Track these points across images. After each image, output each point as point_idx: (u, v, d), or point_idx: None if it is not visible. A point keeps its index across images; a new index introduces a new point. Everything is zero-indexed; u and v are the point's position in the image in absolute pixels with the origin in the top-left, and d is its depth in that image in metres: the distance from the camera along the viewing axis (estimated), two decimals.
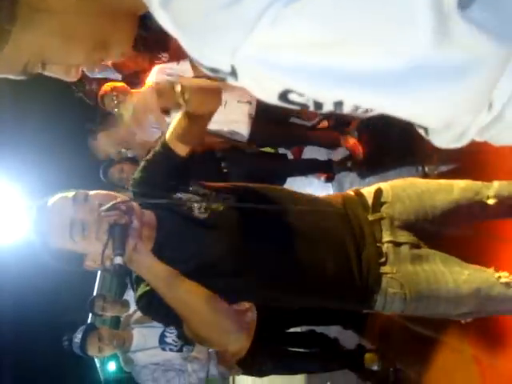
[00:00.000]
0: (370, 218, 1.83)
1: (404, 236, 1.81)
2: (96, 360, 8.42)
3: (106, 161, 4.03)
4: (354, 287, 1.73)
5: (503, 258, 2.28)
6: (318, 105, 0.79)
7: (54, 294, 9.65)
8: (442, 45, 0.71)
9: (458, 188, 1.88)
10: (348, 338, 4.12)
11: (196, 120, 1.70)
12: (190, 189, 1.78)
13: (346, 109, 0.80)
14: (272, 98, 0.78)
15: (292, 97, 0.77)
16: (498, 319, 2.47)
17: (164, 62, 4.13)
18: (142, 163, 1.83)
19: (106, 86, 3.84)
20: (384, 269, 1.74)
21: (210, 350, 3.37)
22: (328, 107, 0.79)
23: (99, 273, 7.07)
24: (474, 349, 2.70)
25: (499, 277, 1.77)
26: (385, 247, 1.77)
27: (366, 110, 0.82)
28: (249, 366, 3.76)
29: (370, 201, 1.87)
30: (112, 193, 1.64)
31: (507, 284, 1.76)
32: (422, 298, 1.73)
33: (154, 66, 4.04)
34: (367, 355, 3.79)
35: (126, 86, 3.87)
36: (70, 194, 1.58)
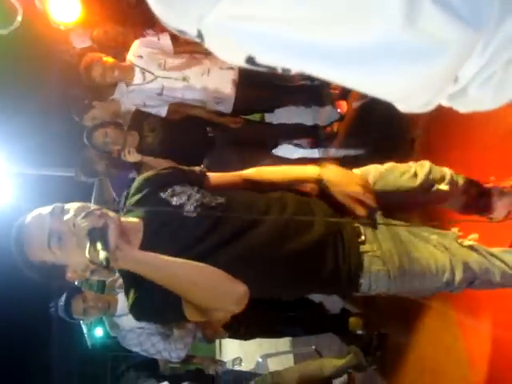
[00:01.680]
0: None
1: (379, 215, 1.85)
2: (83, 326, 8.44)
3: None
4: (339, 269, 1.75)
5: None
6: (286, 69, 0.82)
7: None
8: (411, 27, 0.73)
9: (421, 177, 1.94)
10: (333, 303, 4.16)
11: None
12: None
13: (313, 75, 0.83)
14: (239, 62, 0.80)
15: (260, 60, 0.79)
16: None
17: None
18: None
19: (95, 55, 3.79)
20: (364, 247, 1.77)
21: None
22: (296, 70, 0.83)
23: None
24: (457, 312, 2.72)
25: (462, 241, 1.86)
26: (362, 228, 1.81)
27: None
28: (235, 329, 3.78)
29: None
30: (86, 203, 1.69)
31: (471, 246, 1.84)
32: (405, 272, 1.76)
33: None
34: (351, 319, 3.83)
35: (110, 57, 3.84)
36: (48, 209, 1.64)
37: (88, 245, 1.51)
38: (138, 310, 1.69)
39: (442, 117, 2.93)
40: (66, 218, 1.60)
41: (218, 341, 8.66)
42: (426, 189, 1.95)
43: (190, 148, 3.99)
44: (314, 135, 4.40)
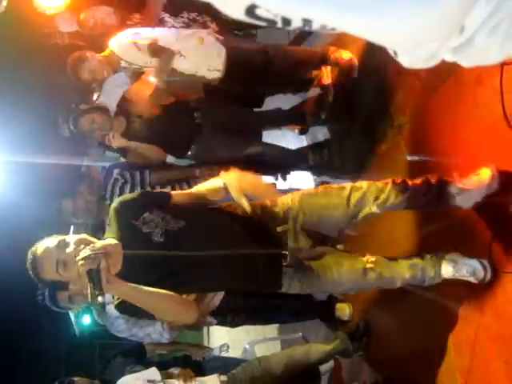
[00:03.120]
0: (279, 229, 2.44)
1: (304, 241, 2.46)
2: (70, 314, 8.44)
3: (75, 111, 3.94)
4: (265, 279, 2.45)
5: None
6: (287, 21, 0.77)
7: (27, 249, 9.55)
8: None
9: (352, 204, 2.42)
10: None
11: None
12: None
13: (315, 26, 0.78)
14: (238, 13, 0.77)
15: (259, 12, 0.76)
16: None
17: (134, 24, 4.03)
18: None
19: (83, 53, 3.75)
20: (287, 269, 2.40)
21: None
22: (296, 24, 0.78)
23: (72, 229, 7.00)
24: (442, 299, 2.74)
25: (367, 261, 2.44)
26: (289, 253, 2.40)
27: (333, 29, 0.80)
28: (222, 316, 3.79)
29: (281, 213, 2.46)
30: (84, 237, 2.29)
31: (372, 268, 2.42)
32: (313, 285, 2.48)
33: (124, 26, 3.94)
34: (338, 306, 3.85)
35: (94, 53, 3.78)
36: (54, 242, 2.26)
37: (87, 285, 2.11)
38: (122, 310, 2.42)
39: (429, 104, 2.95)
40: (68, 250, 2.20)
41: (205, 328, 8.68)
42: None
43: (177, 134, 3.97)
44: (301, 121, 4.38)
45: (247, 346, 4.76)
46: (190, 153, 4.08)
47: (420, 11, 0.75)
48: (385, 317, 3.42)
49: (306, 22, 0.77)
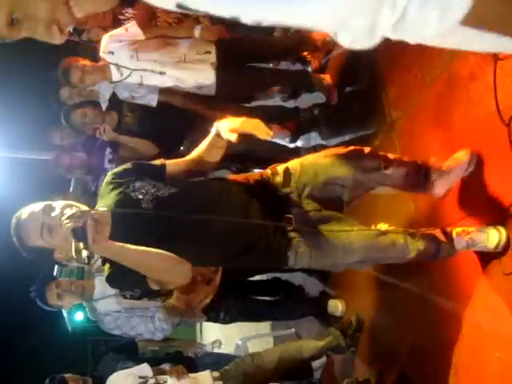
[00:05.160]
0: (280, 193, 2.31)
1: (309, 204, 2.29)
2: (63, 311, 8.40)
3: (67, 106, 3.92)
4: (272, 250, 2.21)
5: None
6: (214, 16, 0.81)
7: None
8: None
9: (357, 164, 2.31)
10: (313, 286, 4.18)
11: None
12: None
13: (245, 20, 0.80)
14: (168, 5, 0.79)
15: (189, 6, 0.77)
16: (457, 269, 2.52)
17: (127, 19, 4.00)
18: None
19: (70, 60, 3.72)
20: (293, 234, 2.21)
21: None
22: (227, 18, 0.80)
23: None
24: (433, 293, 2.74)
25: (380, 227, 2.31)
26: (293, 217, 2.24)
27: (261, 22, 0.82)
28: (215, 313, 3.78)
29: (282, 180, 2.33)
30: (71, 203, 2.18)
31: (385, 232, 2.27)
32: (322, 253, 2.23)
33: (116, 21, 3.91)
34: (331, 301, 3.85)
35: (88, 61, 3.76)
36: (40, 206, 2.16)
37: (73, 242, 2.00)
38: (112, 281, 2.26)
39: (422, 99, 2.94)
40: (53, 214, 2.11)
41: (198, 324, 8.67)
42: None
43: (169, 130, 3.95)
44: (294, 118, 4.36)
45: (240, 342, 4.75)
46: (182, 148, 4.07)
47: None
48: (378, 313, 3.42)
49: (234, 18, 0.79)
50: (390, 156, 2.42)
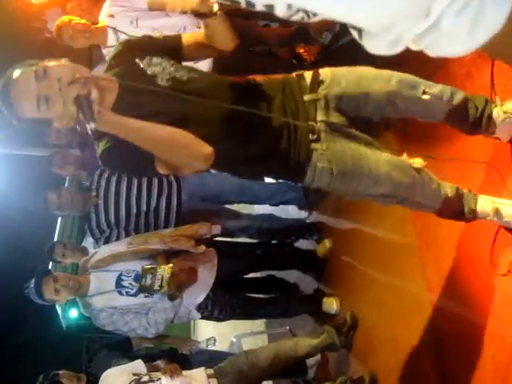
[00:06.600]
0: (306, 97, 2.03)
1: (337, 117, 2.04)
2: (58, 307, 8.39)
3: None
4: (288, 159, 1.96)
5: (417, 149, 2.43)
6: (250, 3, 0.77)
7: (14, 241, 9.52)
8: None
9: (396, 79, 2.06)
10: (307, 284, 4.18)
11: (207, 46, 2.06)
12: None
13: (280, 8, 0.77)
14: None
15: None
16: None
17: None
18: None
19: (65, 18, 3.68)
20: (315, 145, 1.96)
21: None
22: (259, 7, 0.78)
23: (59, 220, 6.95)
24: (430, 293, 2.75)
25: (413, 162, 2.04)
26: (317, 126, 1.98)
27: (303, 18, 0.79)
28: (209, 311, 3.78)
29: (307, 82, 2.06)
30: (68, 63, 1.89)
31: (418, 169, 2.03)
32: (346, 173, 1.96)
33: None
34: (325, 299, 3.84)
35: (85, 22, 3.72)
36: (31, 69, 1.83)
37: (76, 112, 1.78)
38: (107, 157, 1.93)
39: None
40: (51, 81, 1.82)
41: (192, 322, 8.67)
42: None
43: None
44: None
45: (234, 340, 4.75)
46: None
47: None
48: (372, 311, 3.42)
49: (269, 7, 0.76)
50: (437, 85, 2.15)
